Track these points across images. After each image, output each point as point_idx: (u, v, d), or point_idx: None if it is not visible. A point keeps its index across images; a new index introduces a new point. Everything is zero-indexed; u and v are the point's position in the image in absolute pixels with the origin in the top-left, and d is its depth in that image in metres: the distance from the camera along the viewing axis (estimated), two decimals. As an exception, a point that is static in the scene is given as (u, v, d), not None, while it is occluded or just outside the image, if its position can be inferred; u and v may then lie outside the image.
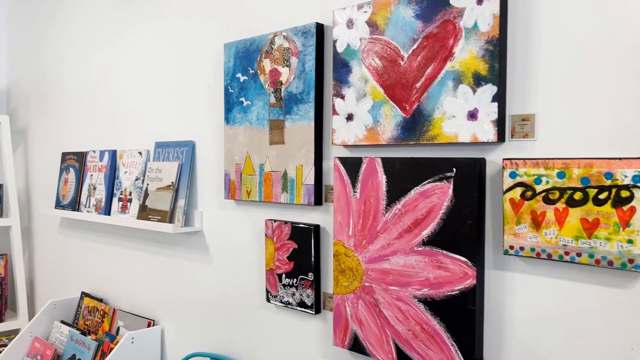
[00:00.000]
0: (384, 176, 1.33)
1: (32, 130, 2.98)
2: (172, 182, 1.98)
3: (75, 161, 2.55)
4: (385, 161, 1.33)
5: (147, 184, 2.07)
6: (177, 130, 2.05)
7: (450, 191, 1.21)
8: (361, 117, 1.39)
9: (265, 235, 1.67)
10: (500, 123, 1.14)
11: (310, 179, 1.54)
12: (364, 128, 1.38)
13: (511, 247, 1.13)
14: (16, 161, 3.12)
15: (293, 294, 1.59)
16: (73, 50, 2.63)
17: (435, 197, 1.24)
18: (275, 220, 1.64)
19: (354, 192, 1.40)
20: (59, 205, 2.59)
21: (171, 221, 1.96)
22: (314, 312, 1.54)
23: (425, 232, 1.25)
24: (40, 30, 2.89)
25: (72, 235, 2.68)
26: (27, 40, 3.00)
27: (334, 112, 1.45)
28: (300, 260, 1.57)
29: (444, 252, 1.23)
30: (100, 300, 2.40)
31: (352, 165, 1.40)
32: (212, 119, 1.90)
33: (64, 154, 2.63)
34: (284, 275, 1.62)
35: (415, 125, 1.28)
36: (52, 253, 2.84)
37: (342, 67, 1.43)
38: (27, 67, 3.01)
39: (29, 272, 3.05)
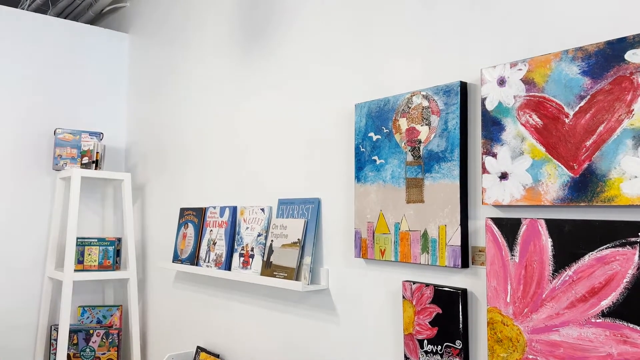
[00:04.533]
0: (549, 239, 1.25)
1: (149, 186, 3.15)
2: (298, 239, 1.98)
3: (194, 216, 2.65)
4: (551, 223, 1.25)
5: (272, 240, 2.10)
6: (300, 187, 2.08)
7: (636, 258, 1.11)
8: (518, 176, 1.33)
9: (403, 297, 1.61)
10: (696, 184, 1.05)
11: (455, 239, 1.48)
12: (522, 187, 1.32)
13: None
14: (134, 216, 3.29)
15: (437, 362, 1.51)
16: (192, 108, 2.79)
17: (617, 264, 1.14)
18: (414, 282, 1.58)
19: (512, 255, 1.32)
20: (176, 259, 2.68)
21: (297, 278, 1.95)
22: (462, 383, 1.44)
23: (605, 303, 1.15)
24: (158, 90, 3.10)
25: (188, 289, 2.75)
26: (145, 100, 3.23)
27: (484, 171, 1.40)
28: (445, 327, 1.49)
29: (630, 325, 1.11)
30: (217, 356, 2.41)
31: (508, 227, 1.33)
32: (340, 177, 1.91)
33: (183, 210, 2.74)
34: (425, 342, 1.54)
35: (586, 185, 1.20)
36: (167, 306, 2.92)
37: (493, 125, 1.39)
38: (145, 126, 3.23)
39: (142, 323, 3.14)
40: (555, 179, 1.25)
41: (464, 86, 1.50)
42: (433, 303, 1.52)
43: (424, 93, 1.59)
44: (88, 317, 3.08)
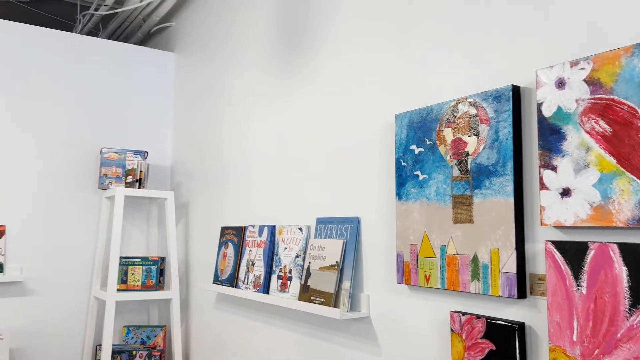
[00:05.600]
0: (624, 268, 1.05)
1: (193, 204, 3.11)
2: (336, 262, 1.84)
3: (234, 235, 2.57)
4: (625, 248, 1.05)
5: (309, 262, 1.96)
6: (340, 205, 1.94)
7: None
8: (583, 192, 1.13)
9: (451, 330, 1.43)
10: None
11: (510, 266, 1.29)
12: (589, 206, 1.12)
13: None
14: (177, 235, 3.26)
15: (491, 406, 1.31)
16: (232, 124, 2.73)
17: None
18: (463, 313, 1.40)
19: (577, 285, 1.12)
20: (217, 280, 2.60)
21: (336, 305, 1.80)
22: None
23: (700, 348, 0.93)
24: (201, 108, 3.07)
25: (228, 310, 2.66)
26: (189, 118, 3.21)
27: (542, 187, 1.22)
28: (499, 365, 1.30)
29: None
30: (256, 384, 2.29)
31: (573, 252, 1.14)
32: (380, 194, 1.76)
33: (223, 229, 2.66)
34: (477, 381, 1.35)
35: (669, 203, 0.99)
36: (209, 327, 2.84)
37: (552, 134, 1.20)
38: (189, 144, 3.20)
39: (185, 344, 3.08)
40: (629, 195, 1.05)
41: (516, 90, 1.33)
42: (485, 338, 1.34)
43: (471, 100, 1.43)
44: (132, 338, 3.05)
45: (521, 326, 1.26)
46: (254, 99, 2.56)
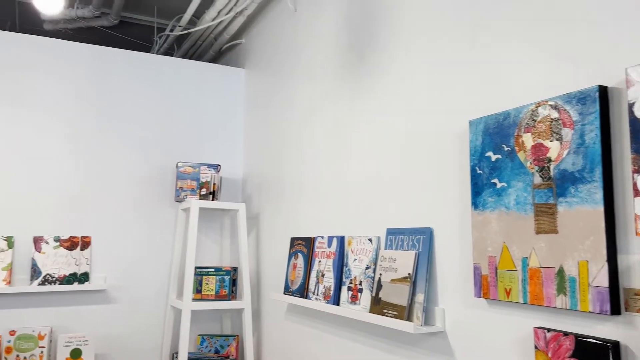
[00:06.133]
0: None
1: (263, 216, 3.16)
2: (408, 274, 1.79)
3: (303, 246, 2.58)
4: None
5: (380, 274, 1.93)
6: (411, 215, 1.90)
7: None
8: (686, 199, 1.03)
9: (535, 347, 1.34)
10: None
11: (601, 279, 1.19)
12: (693, 214, 1.02)
13: None
14: (249, 245, 3.32)
15: None
16: (301, 135, 2.75)
17: None
18: (549, 330, 1.31)
19: (682, 302, 1.02)
20: (287, 290, 2.61)
21: (409, 318, 1.75)
22: None
23: None
24: (270, 121, 3.13)
25: (299, 321, 2.66)
26: (259, 132, 3.28)
27: (637, 194, 1.12)
28: (592, 387, 1.20)
29: None
30: (327, 397, 2.27)
31: (675, 265, 1.03)
32: (454, 204, 1.70)
33: (293, 239, 2.68)
34: (566, 404, 1.25)
35: None
36: (280, 337, 2.86)
37: (647, 136, 1.11)
38: (259, 157, 3.27)
39: (257, 354, 3.12)
40: None
41: (603, 91, 1.24)
42: (574, 357, 1.24)
43: (552, 102, 1.35)
44: (207, 346, 3.13)
45: (615, 345, 1.16)
46: (323, 110, 2.57)
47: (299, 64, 2.83)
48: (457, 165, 1.70)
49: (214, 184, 3.12)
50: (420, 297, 1.74)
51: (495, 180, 1.50)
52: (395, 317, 1.79)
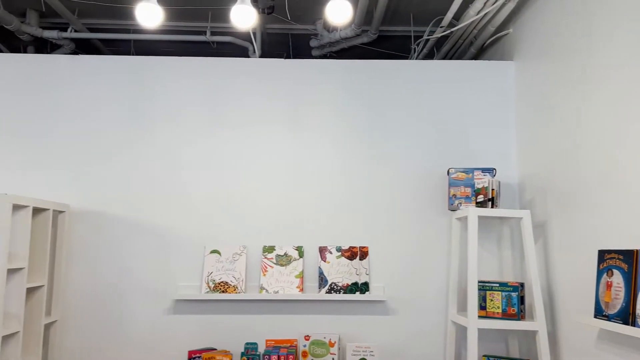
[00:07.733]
0: None
1: (551, 224, 2.74)
2: None
3: (620, 261, 2.09)
4: None
5: None
6: None
7: None
8: None
9: None
10: None
11: None
12: None
13: None
14: (536, 258, 2.93)
15: None
16: (594, 131, 2.27)
17: None
18: None
19: None
20: (600, 314, 2.15)
21: None
22: None
23: None
24: (550, 117, 2.69)
25: (619, 353, 2.17)
26: (535, 129, 2.87)
27: None
28: None
29: None
30: None
31: None
32: None
33: (602, 252, 2.21)
34: None
35: None
36: (587, 369, 2.40)
37: None
38: (538, 157, 2.85)
39: (555, 385, 2.69)
40: None
41: None
42: None
43: None
44: (493, 369, 2.84)
45: None
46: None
47: (596, 44, 2.36)
48: None
49: (493, 189, 2.84)
50: None
51: None
52: None
